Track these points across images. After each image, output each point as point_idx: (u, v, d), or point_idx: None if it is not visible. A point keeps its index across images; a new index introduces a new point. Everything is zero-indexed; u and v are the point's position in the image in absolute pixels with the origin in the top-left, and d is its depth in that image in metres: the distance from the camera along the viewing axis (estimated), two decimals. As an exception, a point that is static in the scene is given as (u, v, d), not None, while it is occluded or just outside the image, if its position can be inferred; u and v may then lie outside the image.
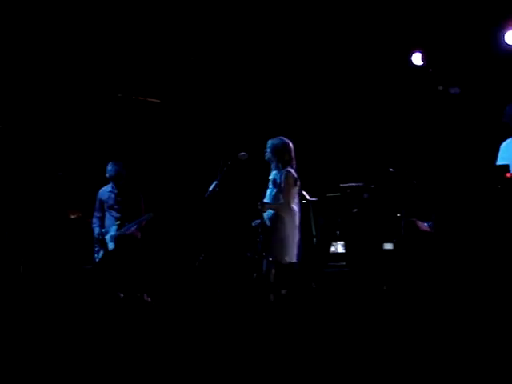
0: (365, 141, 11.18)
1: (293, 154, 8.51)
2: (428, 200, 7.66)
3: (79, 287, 9.67)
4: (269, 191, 8.43)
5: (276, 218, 8.36)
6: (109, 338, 6.39)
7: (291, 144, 8.54)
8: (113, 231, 9.76)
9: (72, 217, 11.03)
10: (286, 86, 11.64)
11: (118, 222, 9.71)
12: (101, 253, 9.82)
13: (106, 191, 9.93)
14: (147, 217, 9.68)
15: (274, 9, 10.50)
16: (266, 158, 8.48)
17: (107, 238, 9.79)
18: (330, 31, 10.70)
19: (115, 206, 9.83)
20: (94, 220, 9.97)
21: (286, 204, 8.35)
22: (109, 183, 9.92)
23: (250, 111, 11.70)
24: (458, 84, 9.79)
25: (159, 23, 10.60)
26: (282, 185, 8.32)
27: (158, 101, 11.71)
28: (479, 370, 4.80)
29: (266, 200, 8.39)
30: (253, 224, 8.45)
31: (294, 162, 8.52)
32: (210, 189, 8.55)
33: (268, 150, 8.46)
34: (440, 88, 9.30)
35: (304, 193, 9.53)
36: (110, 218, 9.86)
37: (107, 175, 9.84)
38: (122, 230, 9.70)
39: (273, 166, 8.45)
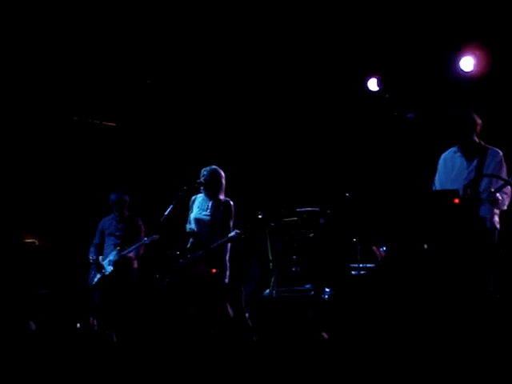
0: (321, 166, 11.20)
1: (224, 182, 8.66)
2: (382, 225, 7.68)
3: (34, 313, 9.56)
4: (207, 219, 8.46)
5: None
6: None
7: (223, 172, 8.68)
8: (112, 256, 9.82)
9: (27, 241, 10.94)
10: (242, 110, 11.66)
11: (118, 248, 9.79)
12: (97, 276, 9.87)
13: (108, 219, 10.11)
14: (150, 239, 9.65)
15: (223, 37, 10.55)
16: (205, 184, 8.50)
17: (105, 262, 9.86)
18: (285, 57, 10.73)
19: (116, 233, 9.96)
20: (92, 248, 10.09)
21: None
22: (111, 212, 10.08)
23: (204, 136, 11.70)
24: (414, 110, 9.85)
25: (115, 46, 10.58)
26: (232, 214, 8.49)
27: (114, 124, 11.69)
28: None
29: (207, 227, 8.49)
30: None
31: None
32: (166, 213, 8.53)
33: (209, 176, 8.48)
34: (396, 114, 9.33)
35: (261, 217, 9.52)
36: (109, 245, 9.97)
37: (110, 202, 10.01)
38: (123, 252, 9.76)
39: (208, 193, 8.49)
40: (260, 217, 8.63)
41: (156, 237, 9.63)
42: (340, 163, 11.03)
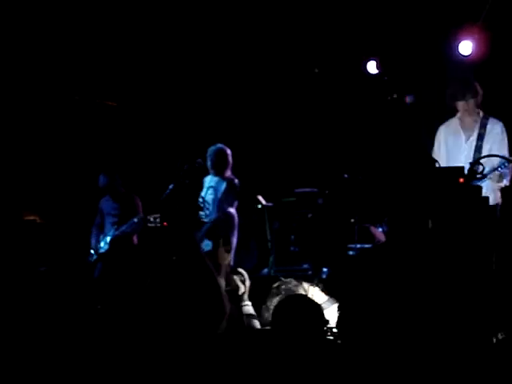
0: (319, 147, 11.26)
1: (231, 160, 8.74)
2: (381, 205, 7.72)
3: (33, 290, 9.64)
4: (211, 197, 8.59)
5: None
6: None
7: (229, 151, 8.81)
8: (109, 236, 9.95)
9: (27, 219, 10.98)
10: (241, 91, 11.69)
11: (116, 227, 9.90)
12: (95, 256, 10.02)
13: (105, 199, 10.18)
14: (139, 217, 9.71)
15: (214, 19, 10.57)
16: (208, 165, 8.65)
17: (103, 241, 9.97)
18: (283, 38, 10.76)
19: (112, 212, 10.03)
20: (93, 228, 10.21)
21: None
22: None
23: (206, 115, 11.73)
24: (413, 92, 9.89)
25: (116, 27, 10.61)
26: (235, 191, 8.59)
27: (115, 104, 11.70)
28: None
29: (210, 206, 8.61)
30: None
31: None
32: (167, 192, 8.63)
33: (215, 155, 8.62)
34: (395, 96, 9.37)
35: (259, 197, 9.62)
36: (108, 225, 10.06)
37: (100, 186, 10.08)
38: (117, 232, 9.84)
39: (213, 172, 8.65)
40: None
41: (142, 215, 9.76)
42: (339, 144, 11.08)
